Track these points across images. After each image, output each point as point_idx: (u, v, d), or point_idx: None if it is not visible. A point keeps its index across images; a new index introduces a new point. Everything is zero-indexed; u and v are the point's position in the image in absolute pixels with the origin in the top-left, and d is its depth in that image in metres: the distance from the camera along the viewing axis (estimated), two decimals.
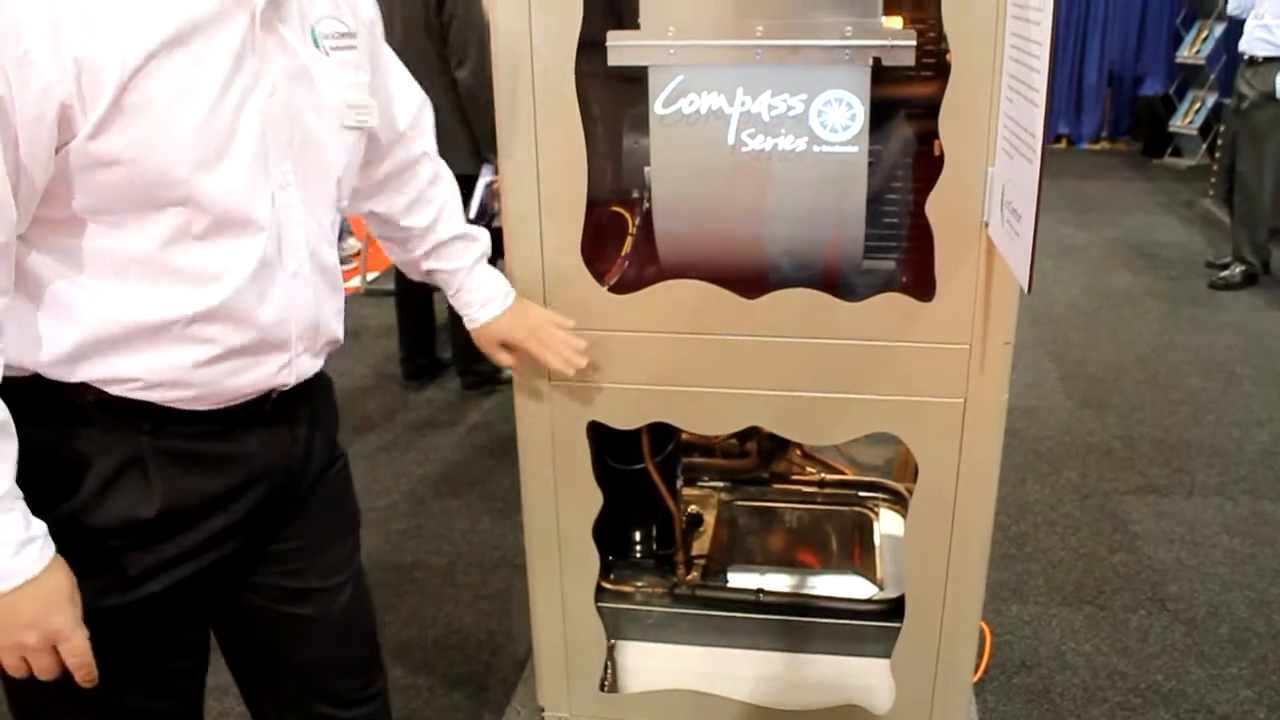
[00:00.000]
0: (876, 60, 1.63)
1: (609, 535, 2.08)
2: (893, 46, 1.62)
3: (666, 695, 2.11)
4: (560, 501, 1.96)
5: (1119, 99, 9.72)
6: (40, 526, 1.17)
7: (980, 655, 2.59)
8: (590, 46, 1.67)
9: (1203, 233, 6.76)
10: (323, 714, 1.58)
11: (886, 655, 2.01)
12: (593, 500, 1.95)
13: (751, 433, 2.49)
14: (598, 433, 1.92)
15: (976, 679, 2.51)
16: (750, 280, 1.78)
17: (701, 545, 2.40)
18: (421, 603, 2.95)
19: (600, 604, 2.08)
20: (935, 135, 1.64)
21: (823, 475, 2.58)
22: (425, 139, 1.62)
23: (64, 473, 1.23)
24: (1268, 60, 5.39)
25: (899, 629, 1.96)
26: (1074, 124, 9.78)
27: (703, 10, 1.67)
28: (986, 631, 2.70)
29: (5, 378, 1.14)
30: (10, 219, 1.10)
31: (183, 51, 1.13)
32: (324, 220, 1.36)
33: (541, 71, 1.68)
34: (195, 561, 1.33)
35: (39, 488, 1.17)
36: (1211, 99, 8.46)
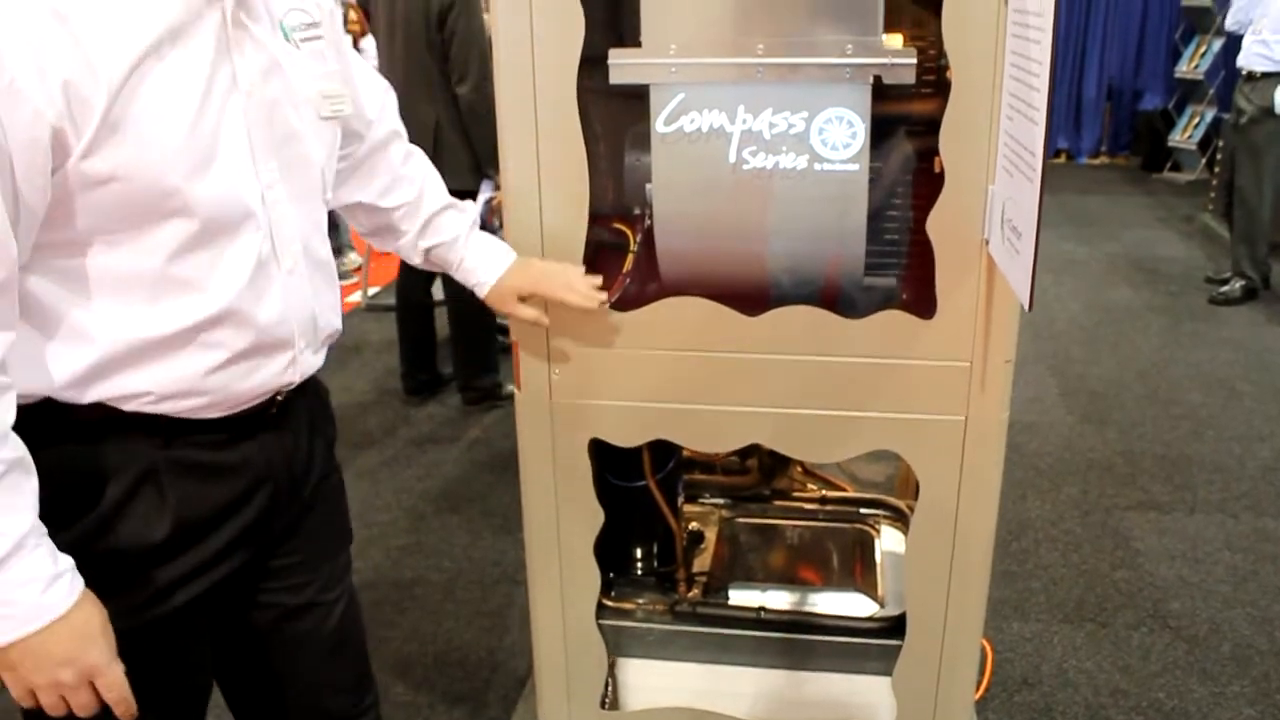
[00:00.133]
0: (877, 78, 1.63)
1: (610, 552, 2.07)
2: (893, 65, 1.62)
3: (667, 713, 2.10)
4: (561, 518, 1.96)
5: (1118, 114, 9.76)
6: (67, 561, 1.16)
7: (981, 673, 2.58)
8: (592, 63, 1.68)
9: (1202, 247, 6.77)
10: None
11: (888, 673, 2.00)
12: (594, 517, 1.95)
13: (752, 449, 2.49)
14: (599, 450, 1.91)
15: (978, 697, 2.50)
16: (751, 297, 1.78)
17: (702, 562, 2.40)
18: (422, 619, 2.95)
19: (601, 621, 2.08)
20: (936, 152, 1.64)
21: (824, 492, 2.58)
22: (393, 121, 1.64)
23: (78, 495, 1.23)
24: (1266, 75, 5.41)
25: (900, 647, 1.96)
26: (1073, 138, 9.80)
27: (704, 29, 1.67)
28: (988, 649, 2.69)
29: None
30: (11, 254, 1.10)
31: (162, 61, 1.14)
32: (314, 213, 1.37)
33: (543, 87, 1.69)
34: (208, 576, 1.33)
35: (53, 512, 1.16)
36: (1210, 114, 8.49)
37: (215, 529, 1.32)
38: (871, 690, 2.10)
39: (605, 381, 1.84)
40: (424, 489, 3.72)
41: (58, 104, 1.06)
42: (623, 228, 1.92)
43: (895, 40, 1.74)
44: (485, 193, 3.81)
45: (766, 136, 1.67)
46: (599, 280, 1.74)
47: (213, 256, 1.22)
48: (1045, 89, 1.28)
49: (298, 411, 1.42)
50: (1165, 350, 5.01)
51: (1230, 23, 6.17)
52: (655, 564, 2.31)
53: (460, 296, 4.23)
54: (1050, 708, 2.55)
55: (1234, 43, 6.14)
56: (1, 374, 1.11)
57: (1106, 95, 9.66)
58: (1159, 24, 9.33)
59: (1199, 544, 3.30)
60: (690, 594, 2.28)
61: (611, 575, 2.22)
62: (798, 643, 2.14)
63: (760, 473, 2.57)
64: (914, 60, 1.62)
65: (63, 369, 1.19)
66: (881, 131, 1.72)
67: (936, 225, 1.66)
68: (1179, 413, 4.31)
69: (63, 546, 1.16)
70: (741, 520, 2.54)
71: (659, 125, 1.70)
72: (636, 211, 1.90)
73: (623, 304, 1.82)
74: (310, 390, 1.45)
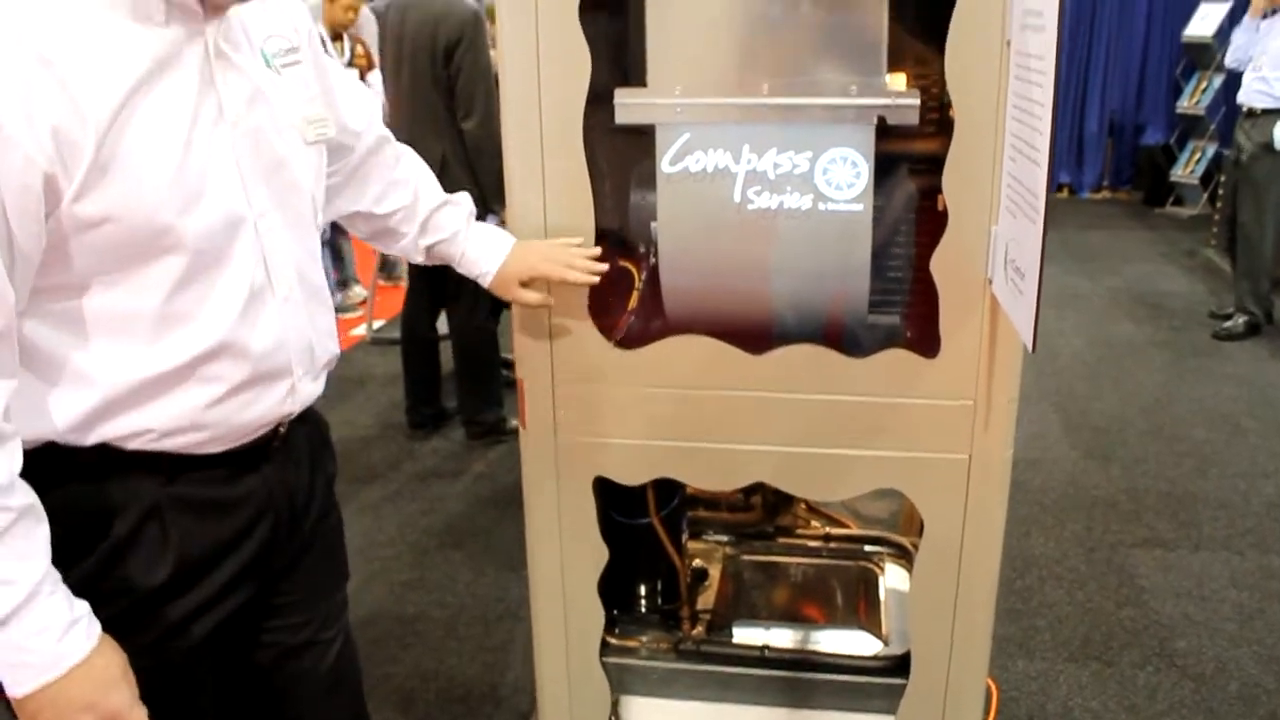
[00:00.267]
0: (881, 118, 1.65)
1: (614, 589, 2.07)
2: (897, 106, 1.64)
3: None
4: (565, 556, 1.95)
5: (1120, 149, 9.79)
6: (83, 606, 1.15)
7: (986, 712, 2.55)
8: (598, 100, 1.69)
9: (1205, 282, 6.78)
10: None
11: (892, 712, 1.99)
12: (598, 554, 1.94)
13: (756, 486, 2.48)
14: (603, 486, 1.91)
15: None
16: (756, 336, 1.79)
17: (706, 599, 2.39)
18: (424, 655, 2.94)
19: (605, 658, 2.07)
20: (939, 190, 1.65)
21: (827, 529, 2.57)
22: (379, 127, 1.64)
23: (81, 536, 1.23)
24: (1266, 112, 5.44)
25: (904, 685, 1.95)
26: (1075, 173, 9.84)
27: (709, 69, 1.69)
28: (993, 688, 2.67)
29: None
30: (8, 301, 1.10)
31: (147, 98, 1.14)
32: (306, 240, 1.37)
33: (549, 124, 1.70)
34: (214, 613, 1.33)
35: (56, 554, 1.16)
36: (1212, 149, 8.52)
37: (218, 565, 1.32)
38: None
39: (610, 419, 1.84)
40: (427, 524, 3.72)
41: (48, 149, 1.06)
42: (628, 265, 1.93)
43: (899, 80, 1.75)
44: None
45: (771, 176, 1.69)
46: (596, 252, 1.73)
47: (206, 289, 1.22)
48: (1047, 131, 1.29)
49: (299, 443, 1.43)
50: (1169, 386, 5.01)
51: (1230, 60, 6.22)
52: (659, 601, 2.30)
53: (465, 331, 4.25)
54: None
55: (1234, 79, 6.17)
56: (4, 422, 1.10)
57: (1108, 130, 9.70)
58: (1160, 60, 9.39)
59: (1204, 581, 3.29)
60: (694, 632, 2.27)
61: (615, 612, 2.21)
62: (801, 681, 2.13)
63: (764, 509, 2.56)
64: (917, 101, 1.63)
65: (65, 413, 1.19)
66: (885, 170, 1.73)
67: (940, 264, 1.66)
68: (1183, 449, 4.30)
69: (70, 587, 1.16)
70: (745, 557, 2.53)
71: (664, 165, 1.71)
72: (642, 249, 1.91)
73: (628, 342, 1.83)
74: (311, 422, 1.46)
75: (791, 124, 1.67)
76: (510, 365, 3.99)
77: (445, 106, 3.79)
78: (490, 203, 3.81)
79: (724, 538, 2.57)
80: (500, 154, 1.77)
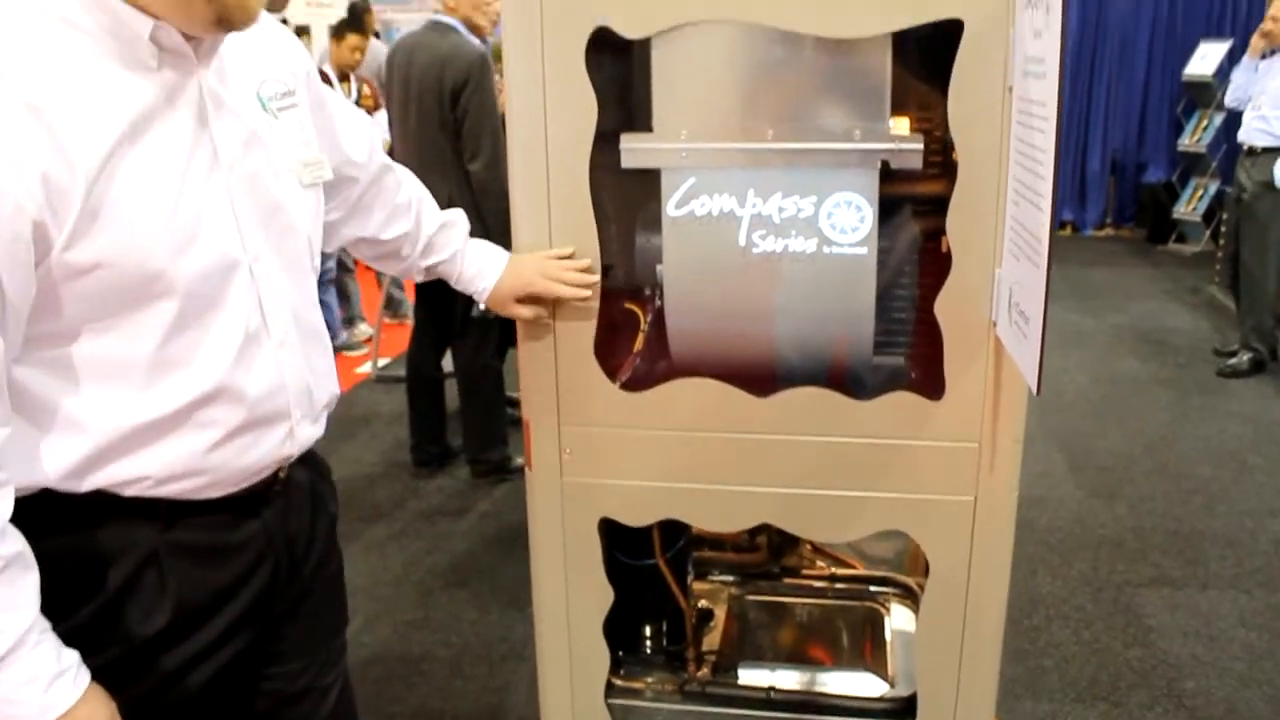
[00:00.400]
0: (885, 162, 1.66)
1: (619, 630, 2.06)
2: (901, 150, 1.65)
3: None
4: (571, 597, 1.95)
5: (1122, 186, 9.82)
6: (72, 656, 1.14)
7: None
8: (603, 142, 1.71)
9: (1209, 319, 6.78)
10: None
11: None
12: (604, 595, 1.94)
13: (762, 527, 2.48)
14: (608, 527, 1.92)
15: None
16: (761, 378, 1.79)
17: (712, 640, 2.38)
18: (429, 695, 2.92)
19: (610, 699, 2.06)
20: (943, 231, 1.66)
21: (833, 570, 2.57)
22: (380, 155, 1.66)
23: (78, 583, 1.22)
24: (1266, 150, 5.46)
25: None
26: (1078, 211, 9.87)
27: (714, 114, 1.71)
28: None
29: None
30: None
31: (138, 145, 1.13)
32: (302, 283, 1.36)
33: (556, 166, 1.71)
34: (213, 661, 1.32)
35: (52, 601, 1.15)
36: (1214, 186, 8.55)
37: (217, 611, 1.31)
38: None
39: (616, 461, 1.84)
40: (432, 563, 3.71)
41: (37, 197, 1.05)
42: (634, 308, 1.94)
43: (902, 124, 1.77)
44: None
45: (776, 220, 1.70)
46: (586, 263, 1.73)
47: (200, 334, 1.21)
48: (1050, 176, 1.30)
49: (299, 486, 1.42)
50: (1174, 423, 5.00)
51: (1230, 99, 6.26)
52: (665, 642, 2.30)
53: (470, 369, 4.26)
54: None
55: (1235, 117, 6.21)
56: None
57: (1111, 168, 9.74)
58: (1161, 98, 9.44)
59: (1213, 620, 3.27)
60: (700, 673, 2.26)
61: (620, 653, 2.21)
62: None
63: (769, 550, 2.56)
64: (921, 146, 1.65)
65: (59, 461, 1.18)
66: (889, 213, 1.75)
67: (944, 307, 1.67)
68: (1189, 487, 4.29)
69: (63, 637, 1.15)
70: (751, 598, 2.53)
71: (670, 209, 1.72)
72: (647, 292, 1.92)
73: (633, 384, 1.83)
74: (312, 464, 1.45)
75: (796, 168, 1.68)
76: (516, 404, 4.00)
77: (451, 148, 3.81)
78: (496, 244, 3.83)
79: (729, 578, 2.57)
80: (506, 195, 1.79)
